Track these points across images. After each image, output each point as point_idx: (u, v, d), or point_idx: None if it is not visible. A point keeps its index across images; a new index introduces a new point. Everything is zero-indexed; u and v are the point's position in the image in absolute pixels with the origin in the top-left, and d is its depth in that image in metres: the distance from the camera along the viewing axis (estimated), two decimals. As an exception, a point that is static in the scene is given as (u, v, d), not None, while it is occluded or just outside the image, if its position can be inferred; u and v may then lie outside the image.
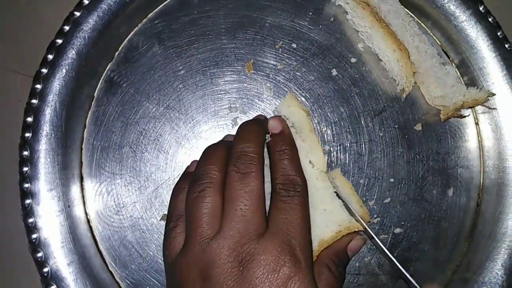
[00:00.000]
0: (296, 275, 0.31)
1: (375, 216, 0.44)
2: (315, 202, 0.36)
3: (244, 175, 0.33)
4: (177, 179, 0.40)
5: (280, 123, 0.38)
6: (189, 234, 0.33)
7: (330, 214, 0.37)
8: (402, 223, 0.44)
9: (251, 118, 0.43)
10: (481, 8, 0.45)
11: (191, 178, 0.35)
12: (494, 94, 0.44)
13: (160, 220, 0.44)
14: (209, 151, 0.37)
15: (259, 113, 0.45)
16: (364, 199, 0.44)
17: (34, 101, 0.42)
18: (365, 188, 0.44)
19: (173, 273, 0.34)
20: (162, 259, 0.37)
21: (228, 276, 0.31)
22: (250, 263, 0.31)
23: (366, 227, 0.38)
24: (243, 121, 0.41)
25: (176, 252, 0.34)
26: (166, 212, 0.43)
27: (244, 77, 0.45)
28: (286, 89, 0.45)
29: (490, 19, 0.45)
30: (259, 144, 0.35)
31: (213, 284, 0.31)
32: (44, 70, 0.43)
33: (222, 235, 0.32)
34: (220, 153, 0.36)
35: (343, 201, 0.38)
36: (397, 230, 0.44)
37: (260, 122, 0.38)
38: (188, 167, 0.42)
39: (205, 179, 0.34)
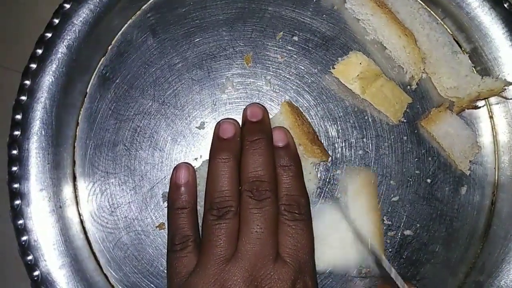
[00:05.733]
0: None
1: (383, 216, 0.42)
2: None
3: (259, 201, 0.35)
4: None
5: (285, 135, 0.37)
6: (206, 255, 0.34)
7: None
8: (412, 223, 0.42)
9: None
10: (495, -7, 0.43)
11: (208, 200, 0.36)
12: (511, 83, 0.41)
13: (156, 227, 0.42)
14: (219, 167, 0.36)
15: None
16: (371, 198, 0.42)
17: (23, 97, 0.40)
18: (371, 186, 0.42)
19: None
20: (166, 279, 0.37)
21: None
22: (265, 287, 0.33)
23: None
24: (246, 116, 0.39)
25: (187, 272, 0.35)
26: (163, 215, 0.42)
27: (243, 70, 0.43)
28: (288, 82, 0.43)
29: (505, 5, 0.42)
30: (272, 165, 0.36)
31: None
32: (33, 66, 0.41)
33: (239, 257, 0.33)
34: (232, 171, 0.35)
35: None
36: (407, 232, 0.42)
37: (268, 133, 0.37)
38: (172, 176, 0.39)
39: (224, 204, 0.35)
